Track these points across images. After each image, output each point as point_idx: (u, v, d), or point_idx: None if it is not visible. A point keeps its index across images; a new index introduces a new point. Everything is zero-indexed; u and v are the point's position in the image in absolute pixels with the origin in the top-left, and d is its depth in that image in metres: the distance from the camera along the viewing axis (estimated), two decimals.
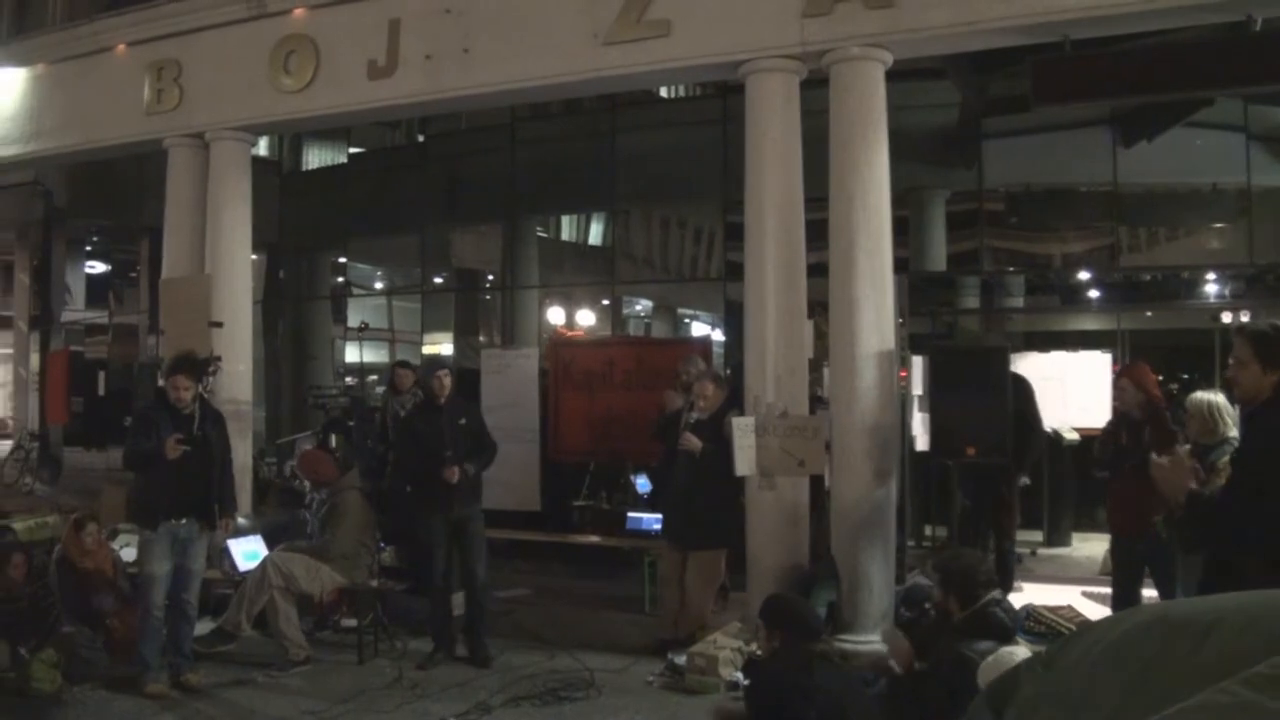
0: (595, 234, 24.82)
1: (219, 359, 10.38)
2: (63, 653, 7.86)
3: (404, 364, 11.87)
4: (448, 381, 8.48)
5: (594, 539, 11.08)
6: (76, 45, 12.53)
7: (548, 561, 11.15)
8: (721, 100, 13.35)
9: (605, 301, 23.20)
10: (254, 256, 11.96)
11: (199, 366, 8.08)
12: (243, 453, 10.85)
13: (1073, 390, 11.60)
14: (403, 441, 9.10)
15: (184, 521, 7.69)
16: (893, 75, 8.64)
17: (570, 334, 20.71)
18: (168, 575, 7.66)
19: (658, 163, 15.60)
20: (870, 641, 8.00)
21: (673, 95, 17.27)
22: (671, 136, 15.68)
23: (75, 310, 23.64)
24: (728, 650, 7.61)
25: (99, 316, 27.73)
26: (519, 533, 11.15)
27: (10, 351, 25.82)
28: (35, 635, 7.89)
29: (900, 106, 8.83)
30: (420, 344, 22.41)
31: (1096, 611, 8.29)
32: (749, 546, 8.59)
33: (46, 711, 7.35)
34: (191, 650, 7.96)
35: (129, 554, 9.20)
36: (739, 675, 7.08)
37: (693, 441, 8.31)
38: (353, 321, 24.83)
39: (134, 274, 26.41)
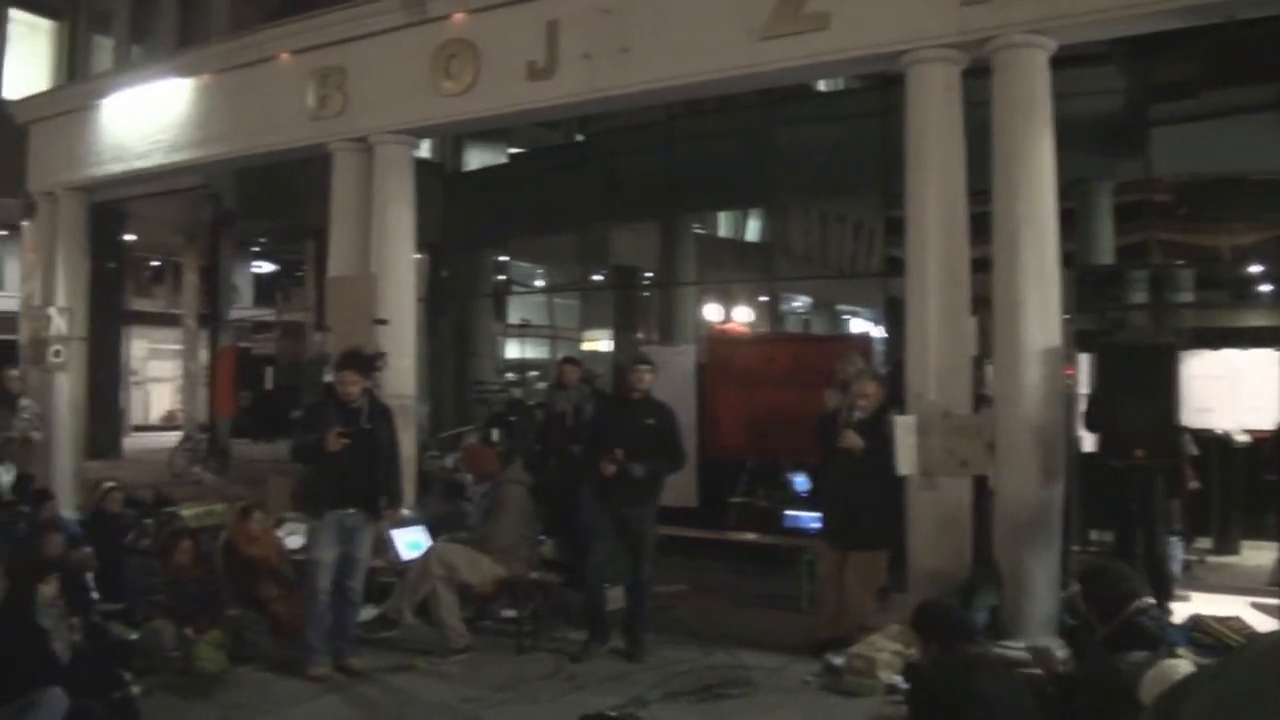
0: (753, 230, 24.77)
1: (385, 355, 10.66)
2: (228, 635, 8.20)
3: (570, 359, 12.00)
4: (647, 377, 8.41)
5: (751, 536, 11.03)
6: (242, 55, 12.93)
7: (704, 558, 11.11)
8: (881, 92, 13.16)
9: (763, 298, 23.16)
10: (417, 256, 12.19)
11: (366, 362, 8.30)
12: (407, 446, 11.07)
13: (1244, 389, 11.11)
14: (590, 433, 9.14)
15: (350, 511, 7.93)
16: (1055, 62, 8.37)
17: (728, 331, 20.68)
18: (334, 562, 7.89)
19: (816, 157, 15.46)
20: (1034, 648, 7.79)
21: (831, 89, 17.10)
22: (830, 130, 15.52)
23: (243, 308, 24.47)
24: (886, 653, 7.45)
25: (266, 314, 28.64)
26: (676, 528, 11.17)
27: (180, 348, 26.79)
28: (201, 617, 8.22)
29: (1064, 94, 8.53)
30: (579, 340, 22.67)
31: (1266, 624, 7.98)
32: (910, 547, 8.41)
33: (211, 690, 7.63)
34: (355, 635, 8.21)
35: (294, 541, 9.50)
36: (898, 679, 6.96)
37: (854, 440, 8.14)
38: (513, 319, 25.28)
39: (300, 273, 27.18)
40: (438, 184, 18.43)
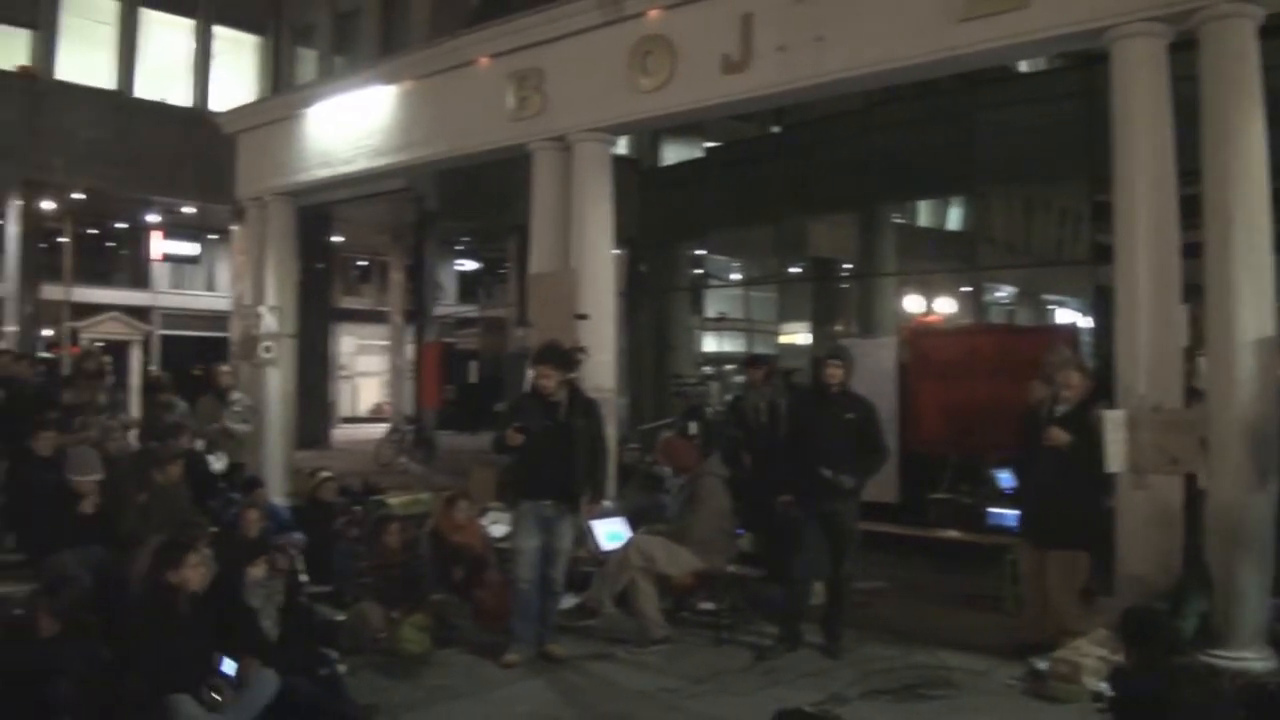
0: (954, 218, 24.23)
1: (584, 349, 10.79)
2: (432, 618, 8.43)
3: (755, 360, 11.96)
4: (836, 372, 8.27)
5: (953, 534, 10.80)
6: (442, 61, 13.21)
7: (904, 554, 10.92)
8: (1084, 71, 12.70)
9: (965, 288, 22.63)
10: (616, 251, 12.29)
11: (563, 356, 8.39)
12: (608, 438, 11.20)
13: None
14: (788, 426, 9.08)
15: (547, 502, 8.06)
16: (1262, 32, 7.87)
17: (929, 322, 20.28)
18: (534, 551, 8.04)
19: (1018, 141, 15.04)
20: (1243, 658, 7.36)
21: (1033, 70, 16.56)
22: (1032, 113, 15.06)
23: (447, 305, 25.07)
24: (1092, 659, 7.14)
25: (470, 310, 29.31)
26: (876, 525, 11.00)
27: (387, 343, 27.62)
28: (407, 601, 8.46)
29: (1272, 66, 8.05)
30: (777, 334, 22.54)
31: None
32: (1118, 549, 8.02)
33: (415, 671, 7.86)
34: (556, 623, 8.35)
35: (498, 530, 9.70)
36: (1103, 686, 6.68)
37: (1059, 435, 7.85)
38: (710, 312, 25.30)
39: (502, 270, 27.73)
40: (635, 180, 18.56)
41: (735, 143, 20.96)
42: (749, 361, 11.95)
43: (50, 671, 5.75)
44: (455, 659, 8.19)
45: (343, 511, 10.78)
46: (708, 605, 8.96)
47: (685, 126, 18.65)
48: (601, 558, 9.21)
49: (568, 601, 8.86)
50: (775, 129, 19.39)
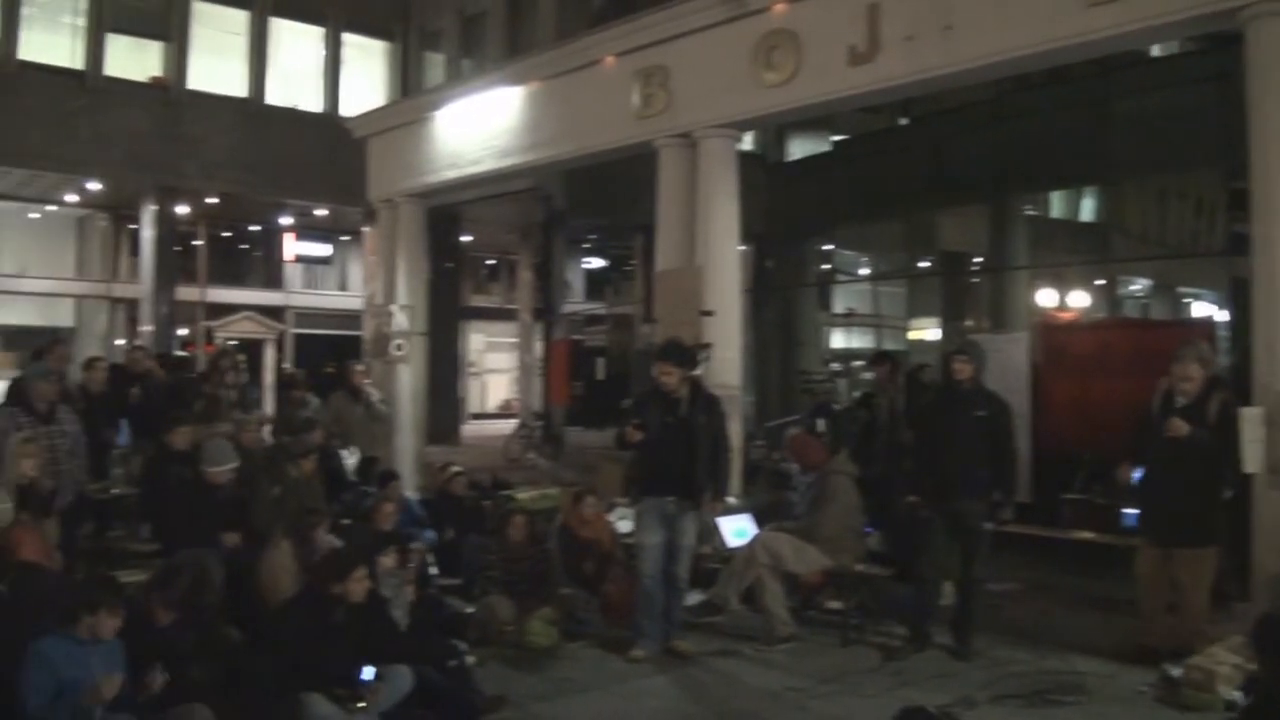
0: (1086, 209, 23.62)
1: (710, 346, 10.79)
2: (560, 612, 8.50)
3: (882, 356, 11.83)
4: (963, 367, 8.12)
5: (1087, 535, 10.53)
6: (568, 61, 13.36)
7: (1036, 555, 10.67)
8: (1219, 54, 12.26)
9: (1099, 281, 22.09)
10: (742, 247, 12.26)
11: (685, 353, 8.38)
12: (733, 436, 11.16)
13: None
14: (917, 422, 8.96)
15: (669, 499, 8.06)
16: None
17: (1061, 317, 19.83)
18: (658, 547, 8.05)
19: (1151, 128, 14.61)
20: None
21: (1166, 53, 16.05)
22: (1165, 98, 14.64)
23: (575, 302, 25.22)
24: (1228, 666, 6.83)
25: (597, 308, 29.46)
26: (1007, 525, 10.76)
27: (515, 341, 27.89)
28: (534, 594, 8.58)
29: None
30: (906, 330, 22.25)
31: None
32: (1254, 551, 7.74)
33: (543, 664, 7.93)
34: (682, 620, 8.34)
35: (625, 526, 9.72)
36: (1237, 695, 6.44)
37: (1179, 426, 7.50)
38: (838, 308, 25.09)
39: (629, 268, 27.81)
40: (761, 175, 18.47)
41: (863, 135, 20.73)
42: (874, 359, 11.81)
43: (175, 659, 5.91)
44: (582, 653, 8.24)
45: (472, 506, 10.90)
46: (835, 604, 8.86)
47: (812, 120, 18.49)
48: (727, 554, 9.17)
49: (693, 598, 8.85)
50: (903, 120, 19.15)
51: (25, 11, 19.86)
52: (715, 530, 9.40)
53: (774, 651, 8.17)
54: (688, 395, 8.13)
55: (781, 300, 20.48)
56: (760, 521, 9.55)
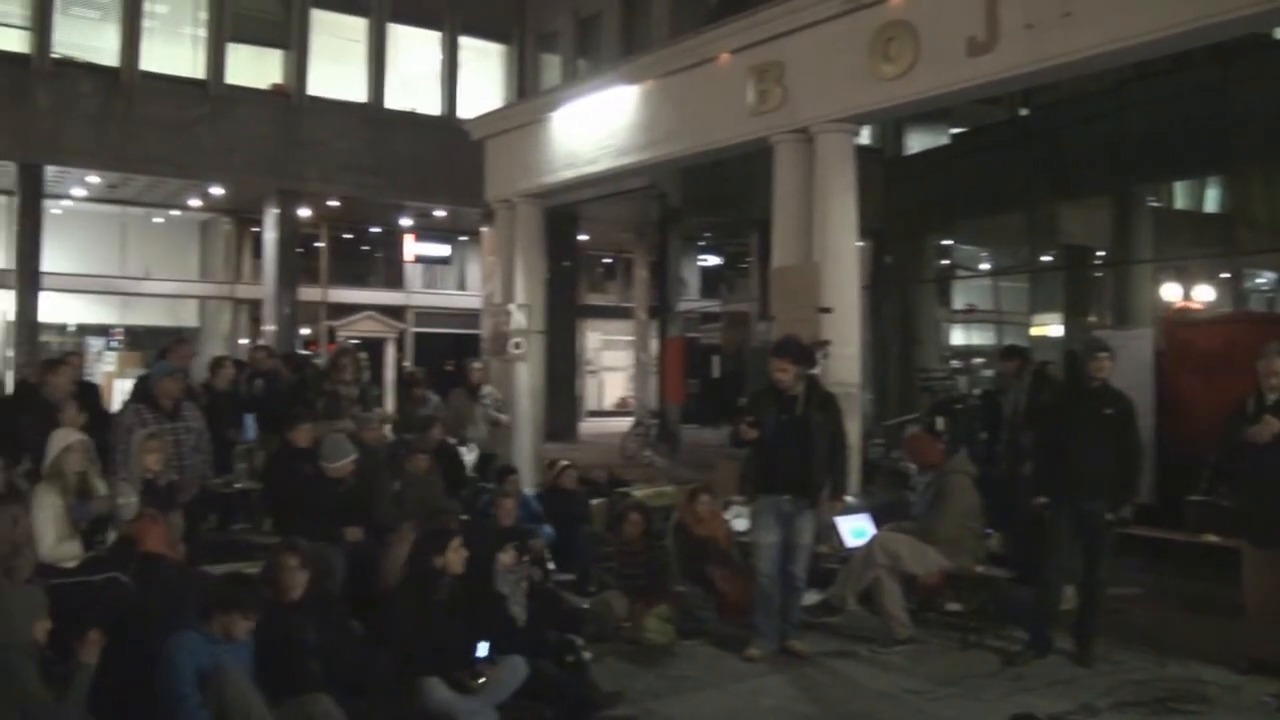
0: (1211, 200, 22.93)
1: (828, 343, 10.70)
2: (676, 610, 8.47)
3: (1012, 350, 11.60)
4: (1106, 364, 7.82)
5: (1211, 538, 10.19)
6: (683, 59, 13.33)
7: (1161, 559, 10.38)
8: None
9: (1224, 274, 21.43)
10: (860, 243, 12.14)
11: (801, 350, 8.31)
12: (851, 434, 11.06)
13: None
14: (1042, 421, 8.77)
15: (785, 497, 7.98)
16: None
17: (1187, 311, 19.27)
18: (774, 546, 7.98)
19: (1278, 115, 14.13)
20: None
21: None
22: None
23: (690, 300, 25.23)
24: None
25: (712, 305, 29.43)
26: (1130, 527, 10.45)
27: (631, 339, 28.00)
28: (649, 590, 8.57)
29: None
30: (1027, 325, 21.81)
31: None
32: None
33: (659, 661, 7.92)
34: (799, 619, 8.27)
35: (741, 524, 9.68)
36: None
37: (1271, 427, 7.26)
38: (958, 304, 24.71)
39: (744, 265, 27.76)
40: (879, 169, 18.28)
41: (982, 128, 20.39)
42: (1003, 354, 11.58)
43: (297, 649, 6.03)
44: (698, 651, 8.20)
45: (583, 500, 10.94)
46: (954, 606, 8.72)
47: (930, 113, 18.24)
48: (845, 554, 9.09)
49: (811, 597, 8.77)
50: (1023, 111, 18.79)
51: (146, 24, 20.55)
52: (833, 530, 9.32)
53: (891, 653, 8.05)
54: (804, 393, 8.05)
55: (900, 296, 20.24)
56: (878, 521, 9.44)
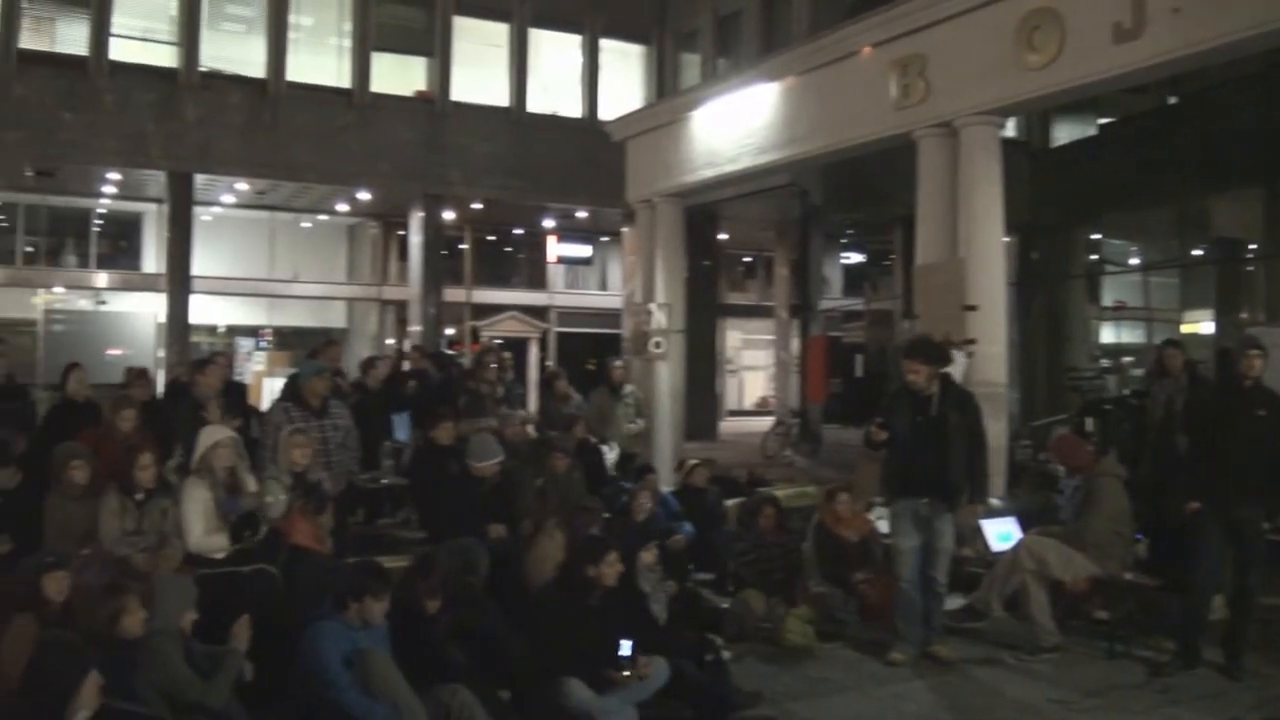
0: None
1: (974, 341, 10.50)
2: (817, 611, 8.43)
3: (1173, 343, 11.22)
4: (1258, 363, 7.50)
5: None
6: (823, 55, 13.28)
7: None
8: None
9: None
10: (1006, 238, 11.89)
11: (932, 350, 8.15)
12: (996, 435, 10.86)
13: None
14: (1193, 422, 8.46)
15: (923, 500, 7.85)
16: None
17: None
18: (913, 550, 7.89)
19: None
20: None
21: None
22: None
23: (832, 298, 25.03)
24: None
25: (855, 303, 29.14)
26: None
27: (772, 338, 27.90)
28: (787, 586, 8.58)
29: None
30: (1178, 322, 21.12)
31: None
32: None
33: (799, 662, 7.89)
34: (942, 624, 8.12)
35: (883, 526, 9.56)
36: None
37: None
38: (1107, 300, 24.03)
39: (887, 262, 27.44)
40: (1024, 162, 17.84)
41: (1130, 117, 19.74)
42: (1165, 345, 11.19)
43: (440, 641, 6.13)
44: (839, 653, 8.16)
45: (715, 499, 10.89)
46: (1101, 614, 8.44)
47: (1077, 103, 17.73)
48: (991, 558, 8.90)
49: (955, 602, 8.63)
50: (1172, 100, 18.15)
51: (292, 36, 21.13)
52: (979, 533, 9.13)
53: (1037, 661, 7.88)
54: (938, 393, 7.89)
55: (1048, 293, 19.71)
56: (1025, 525, 9.23)
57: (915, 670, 7.71)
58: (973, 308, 10.77)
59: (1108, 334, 25.86)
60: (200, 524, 7.23)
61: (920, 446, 7.78)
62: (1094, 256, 22.41)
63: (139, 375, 10.06)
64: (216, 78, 20.37)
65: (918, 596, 7.91)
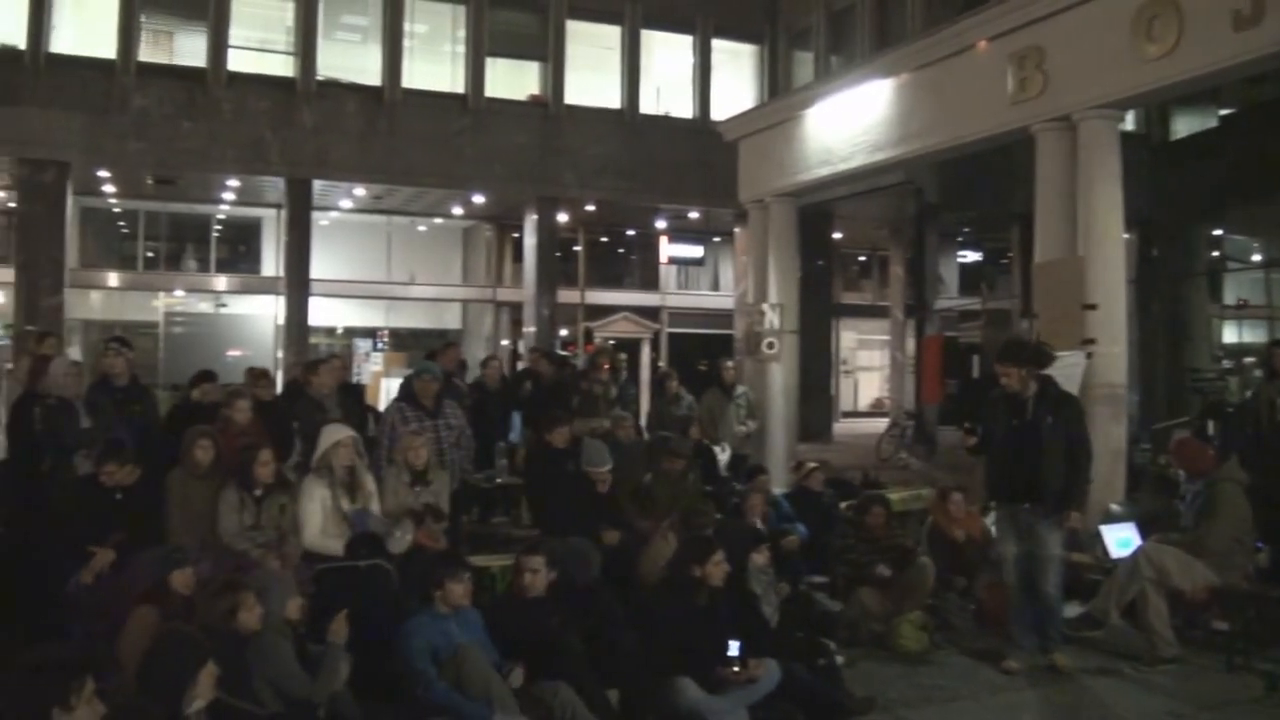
0: None
1: (1093, 341, 10.29)
2: (931, 616, 8.32)
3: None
4: None
5: None
6: (937, 49, 13.12)
7: None
8: None
9: None
10: (1126, 235, 11.61)
11: (1019, 352, 7.98)
12: (1116, 438, 10.67)
13: None
14: None
15: (1025, 506, 7.70)
16: None
17: None
18: (1015, 556, 7.79)
19: None
20: None
21: None
22: None
23: (948, 298, 24.75)
24: None
25: (972, 303, 28.73)
26: None
27: (887, 338, 27.65)
28: (899, 588, 8.47)
29: None
30: None
31: None
32: None
33: (912, 668, 7.81)
34: (1059, 633, 7.91)
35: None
36: None
37: None
38: (1229, 298, 23.35)
39: (1005, 261, 27.01)
40: (1145, 156, 17.42)
41: (1253, 108, 19.14)
42: (1274, 345, 10.85)
43: (547, 635, 6.19)
44: (953, 660, 8.05)
45: (830, 502, 10.80)
46: (1220, 624, 8.20)
47: (1198, 94, 17.23)
48: (1109, 565, 8.71)
49: (1073, 610, 8.47)
50: None
51: (407, 44, 21.58)
52: (1098, 539, 8.93)
53: (1154, 672, 7.69)
54: (1034, 396, 7.71)
55: (1169, 291, 19.19)
56: (1145, 531, 9.03)
57: (1030, 679, 7.58)
58: (1092, 307, 10.55)
59: (1230, 333, 25.13)
60: (317, 521, 7.35)
61: (1016, 451, 7.64)
62: (1216, 253, 21.76)
63: (260, 375, 10.29)
64: (333, 85, 20.89)
65: (1024, 603, 7.79)
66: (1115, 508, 9.56)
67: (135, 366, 9.85)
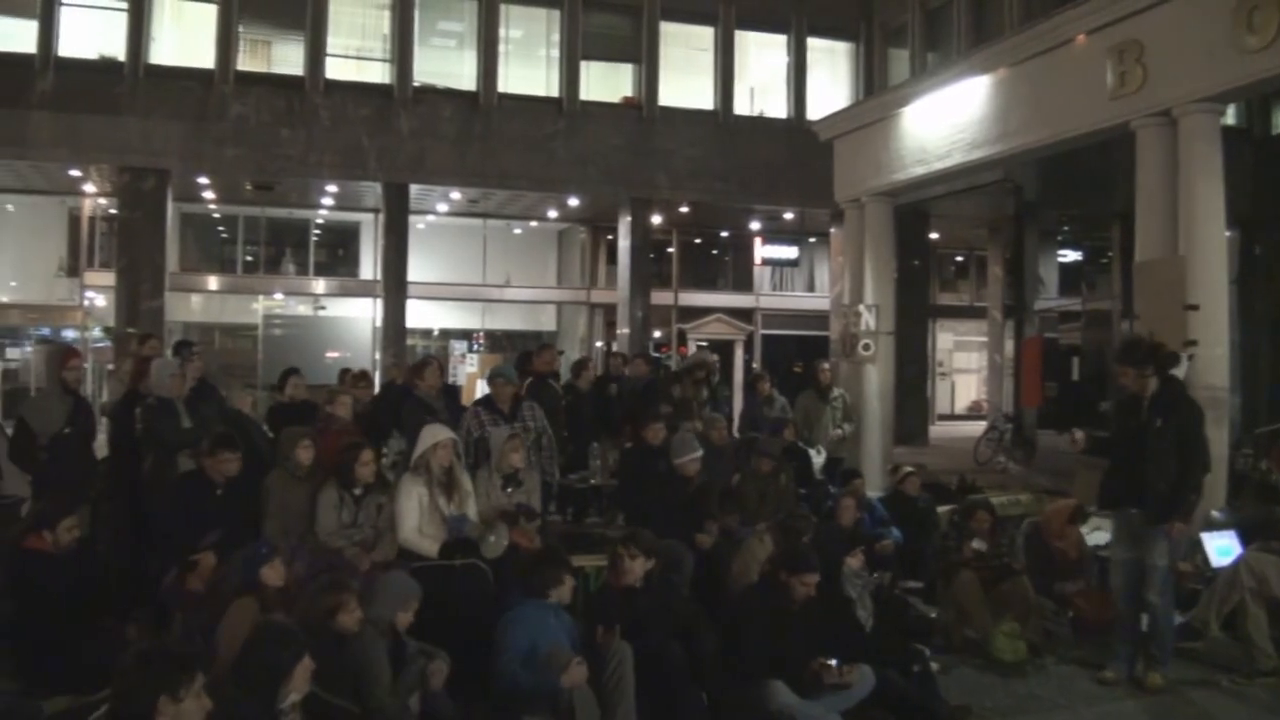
0: None
1: (1194, 343, 10.11)
2: (1029, 625, 8.18)
3: None
4: None
5: None
6: (1036, 44, 12.92)
7: None
8: None
9: None
10: (1228, 233, 11.32)
11: (1133, 352, 7.76)
12: (1217, 442, 10.35)
13: None
14: None
15: (1134, 511, 7.54)
16: None
17: None
18: (1126, 564, 7.62)
19: None
20: None
21: None
22: None
23: (1048, 298, 24.37)
24: None
25: (1072, 304, 28.24)
26: None
27: (984, 339, 27.33)
28: (997, 587, 8.36)
29: None
30: None
31: None
32: None
33: (1009, 676, 7.72)
34: (1164, 650, 7.66)
35: (1100, 537, 9.22)
36: None
37: None
38: None
39: (1105, 260, 26.51)
40: (1247, 152, 17.00)
41: None
42: None
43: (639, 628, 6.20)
44: (1051, 670, 7.94)
45: (926, 507, 10.66)
46: None
47: None
48: (1210, 574, 8.50)
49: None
50: None
51: (502, 49, 21.89)
52: (1198, 547, 8.71)
53: (1253, 685, 7.48)
54: (1151, 398, 7.51)
55: (1273, 291, 18.69)
56: (1246, 539, 8.79)
57: (1128, 690, 7.44)
58: (1194, 307, 10.37)
59: None
60: (413, 520, 7.42)
61: (1131, 454, 7.47)
62: None
63: (359, 377, 10.43)
64: (429, 91, 21.24)
65: (1129, 612, 7.62)
66: (1216, 515, 9.32)
67: (205, 370, 10.21)
